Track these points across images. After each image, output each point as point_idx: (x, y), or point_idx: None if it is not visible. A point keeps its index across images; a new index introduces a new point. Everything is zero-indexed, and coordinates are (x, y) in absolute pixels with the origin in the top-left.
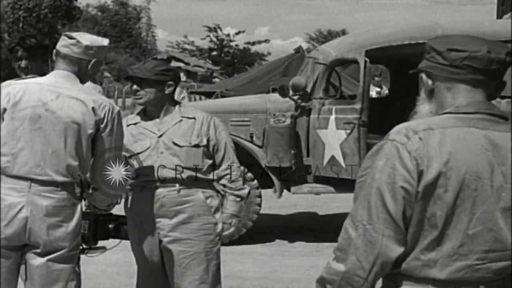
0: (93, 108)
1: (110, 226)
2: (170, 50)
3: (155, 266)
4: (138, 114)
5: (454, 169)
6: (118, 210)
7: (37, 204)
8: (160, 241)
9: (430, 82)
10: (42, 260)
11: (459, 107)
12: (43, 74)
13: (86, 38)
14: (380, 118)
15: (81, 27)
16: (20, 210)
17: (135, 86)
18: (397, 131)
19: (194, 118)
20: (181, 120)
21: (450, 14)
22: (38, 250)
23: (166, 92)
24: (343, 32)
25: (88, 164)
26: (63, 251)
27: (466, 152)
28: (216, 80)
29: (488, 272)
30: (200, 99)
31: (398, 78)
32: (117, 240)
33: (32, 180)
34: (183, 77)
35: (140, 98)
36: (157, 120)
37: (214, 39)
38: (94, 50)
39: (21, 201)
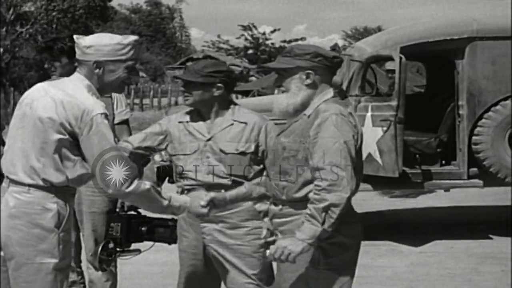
0: (64, 108)
1: (143, 228)
2: (206, 50)
3: (198, 270)
4: (191, 112)
5: (360, 133)
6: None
7: (7, 204)
8: (205, 246)
9: (311, 76)
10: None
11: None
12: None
13: (87, 38)
14: (416, 115)
15: (115, 28)
16: None
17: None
18: (335, 110)
19: (245, 122)
20: (232, 124)
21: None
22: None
23: (215, 94)
24: (379, 29)
25: (51, 171)
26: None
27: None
28: (253, 78)
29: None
30: (237, 97)
31: (434, 74)
32: (151, 243)
33: (9, 179)
34: None
35: (187, 100)
36: (208, 121)
37: (250, 38)
38: (96, 49)
39: (4, 199)
